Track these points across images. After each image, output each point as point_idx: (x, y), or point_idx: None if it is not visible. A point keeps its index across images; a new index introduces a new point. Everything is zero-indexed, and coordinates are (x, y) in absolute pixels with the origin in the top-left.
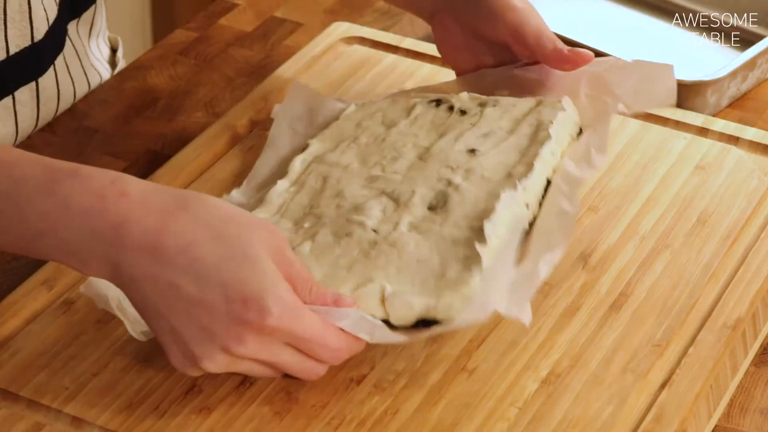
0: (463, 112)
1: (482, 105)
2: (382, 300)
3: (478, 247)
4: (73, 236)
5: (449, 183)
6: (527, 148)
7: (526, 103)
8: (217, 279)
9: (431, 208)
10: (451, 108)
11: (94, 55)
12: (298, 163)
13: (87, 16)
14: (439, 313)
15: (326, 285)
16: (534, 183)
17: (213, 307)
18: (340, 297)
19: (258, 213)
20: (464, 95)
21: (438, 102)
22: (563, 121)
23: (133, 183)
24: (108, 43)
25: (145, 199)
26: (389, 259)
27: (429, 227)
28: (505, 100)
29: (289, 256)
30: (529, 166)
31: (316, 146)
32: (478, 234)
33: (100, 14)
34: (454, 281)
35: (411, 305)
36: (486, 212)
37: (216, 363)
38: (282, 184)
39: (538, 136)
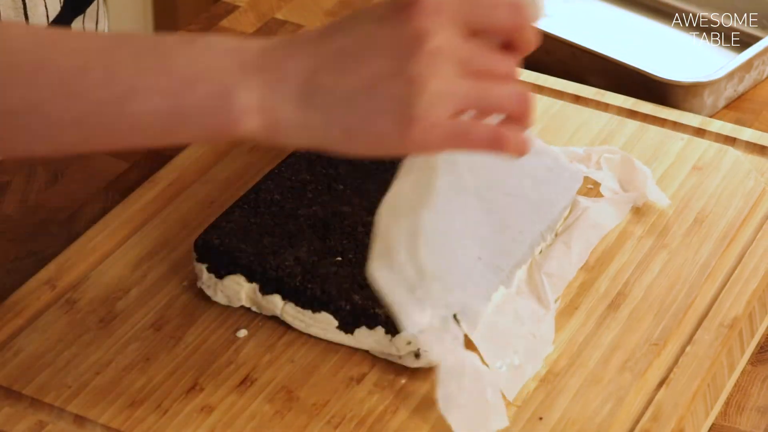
0: None
1: None
2: None
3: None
4: (226, 74)
5: None
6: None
7: None
8: (362, 23)
9: None
10: None
11: None
12: None
13: (91, 11)
14: None
15: None
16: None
17: (373, 38)
18: None
19: None
20: None
21: None
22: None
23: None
24: None
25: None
26: None
27: None
28: None
29: None
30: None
31: None
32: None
33: (102, 10)
34: None
35: None
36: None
37: (423, 71)
38: None
39: None
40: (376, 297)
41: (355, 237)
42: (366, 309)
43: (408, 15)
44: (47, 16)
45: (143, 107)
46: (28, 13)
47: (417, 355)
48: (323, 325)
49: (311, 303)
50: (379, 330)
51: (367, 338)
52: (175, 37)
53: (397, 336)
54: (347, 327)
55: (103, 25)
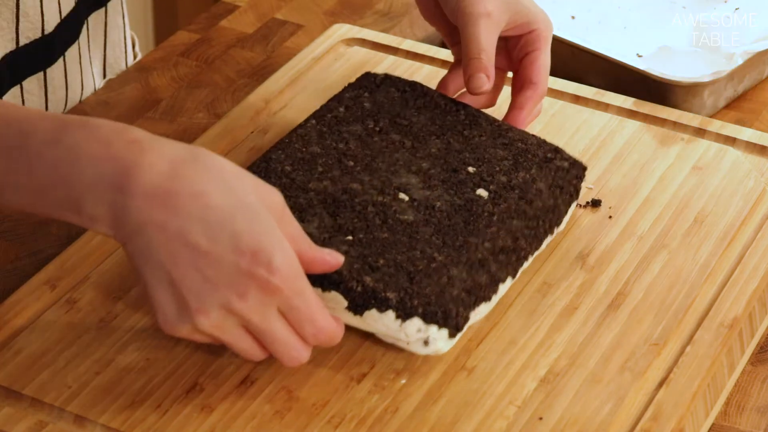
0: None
1: None
2: None
3: None
4: (81, 186)
5: None
6: None
7: None
8: (230, 229)
9: None
10: None
11: (127, 41)
12: None
13: (115, 4)
14: None
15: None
16: None
17: (221, 258)
18: (334, 255)
19: None
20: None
21: None
22: None
23: (142, 132)
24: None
25: (155, 146)
26: None
27: None
28: None
29: (288, 217)
30: None
31: None
32: None
33: (124, 2)
34: None
35: None
36: None
37: (210, 319)
38: None
39: None
40: (388, 280)
41: (365, 217)
42: (377, 292)
43: (251, 265)
44: (60, 12)
45: (12, 199)
46: (44, 9)
47: (426, 342)
48: (332, 304)
49: (321, 281)
50: (389, 314)
51: (376, 322)
52: (47, 133)
53: (407, 321)
54: (357, 308)
55: (126, 19)
